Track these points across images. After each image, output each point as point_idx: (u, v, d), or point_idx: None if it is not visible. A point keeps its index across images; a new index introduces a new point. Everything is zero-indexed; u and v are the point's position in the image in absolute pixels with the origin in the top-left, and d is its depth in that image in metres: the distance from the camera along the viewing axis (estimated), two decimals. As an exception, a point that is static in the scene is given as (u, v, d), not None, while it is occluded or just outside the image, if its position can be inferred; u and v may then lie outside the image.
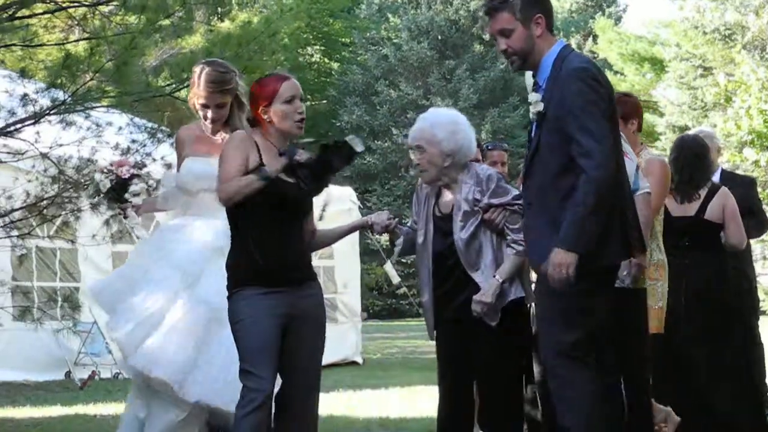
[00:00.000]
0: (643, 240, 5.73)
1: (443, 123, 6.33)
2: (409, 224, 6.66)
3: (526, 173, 5.57)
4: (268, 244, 5.52)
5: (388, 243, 6.58)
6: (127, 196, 6.69)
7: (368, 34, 46.28)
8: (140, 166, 6.90)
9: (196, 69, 6.50)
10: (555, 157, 5.37)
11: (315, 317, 5.71)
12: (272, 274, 5.52)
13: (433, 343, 6.60)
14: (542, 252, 5.37)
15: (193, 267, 6.22)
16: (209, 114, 6.42)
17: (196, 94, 6.44)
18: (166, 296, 6.15)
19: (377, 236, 6.24)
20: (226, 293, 5.58)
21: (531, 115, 5.72)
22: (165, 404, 6.12)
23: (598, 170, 5.22)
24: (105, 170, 6.75)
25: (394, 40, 44.86)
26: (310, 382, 5.68)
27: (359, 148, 5.51)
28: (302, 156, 5.51)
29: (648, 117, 33.80)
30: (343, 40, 48.41)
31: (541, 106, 5.55)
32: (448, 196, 6.40)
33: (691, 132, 8.85)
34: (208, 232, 6.30)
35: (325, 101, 45.07)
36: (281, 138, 5.67)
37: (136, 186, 6.71)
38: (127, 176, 6.68)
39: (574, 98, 5.32)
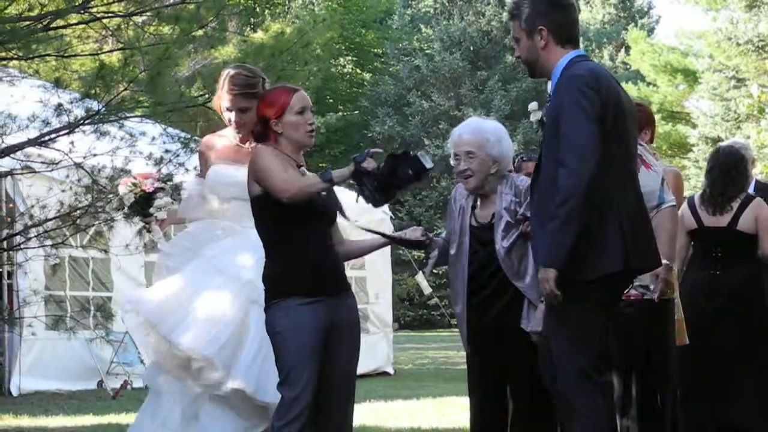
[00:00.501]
0: (656, 250, 5.59)
1: (492, 130, 6.35)
2: (443, 235, 6.64)
3: (532, 182, 5.55)
4: (308, 254, 5.53)
5: (420, 254, 6.59)
6: (151, 210, 6.55)
7: (400, 45, 46.31)
8: (165, 179, 6.78)
9: (224, 72, 6.44)
10: (551, 165, 5.31)
11: (351, 327, 5.73)
12: (312, 283, 5.53)
13: (465, 353, 6.58)
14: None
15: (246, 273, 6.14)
16: (232, 118, 6.32)
17: (221, 96, 6.38)
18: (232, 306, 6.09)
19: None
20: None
21: (533, 125, 5.73)
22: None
23: (569, 179, 5.15)
24: (129, 183, 6.61)
25: (427, 51, 44.87)
26: (346, 391, 5.69)
27: (428, 164, 5.50)
28: (370, 164, 5.46)
29: (681, 128, 33.71)
30: (376, 50, 48.48)
31: (539, 115, 5.57)
32: (485, 206, 6.37)
33: (725, 143, 8.79)
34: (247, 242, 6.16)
35: (356, 112, 45.12)
36: (294, 150, 5.68)
37: (160, 200, 6.55)
38: (151, 190, 6.53)
39: (563, 105, 5.28)
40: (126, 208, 6.64)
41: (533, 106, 6.06)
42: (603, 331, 5.33)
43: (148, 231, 6.62)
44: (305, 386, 5.42)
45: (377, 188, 5.47)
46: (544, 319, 5.53)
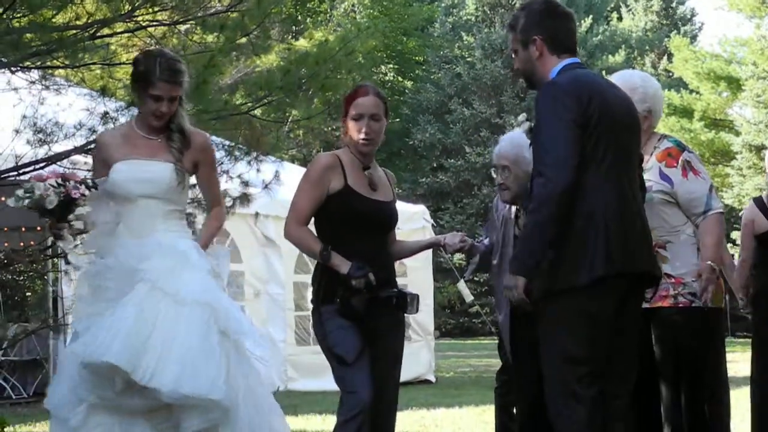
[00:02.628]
0: (650, 252, 5.54)
1: (527, 145, 6.37)
2: (485, 241, 6.65)
3: (529, 191, 5.55)
4: (357, 258, 5.59)
5: (461, 261, 6.61)
6: (70, 217, 5.62)
7: (442, 53, 46.31)
8: (91, 185, 5.73)
9: (145, 58, 5.81)
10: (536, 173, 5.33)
11: (397, 331, 5.81)
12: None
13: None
14: None
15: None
16: (163, 108, 5.70)
17: (150, 84, 5.69)
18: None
19: (450, 255, 6.24)
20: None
21: (525, 134, 5.79)
22: None
23: (543, 187, 5.15)
24: (52, 182, 5.59)
25: (468, 59, 44.85)
26: (391, 396, 5.78)
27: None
28: (360, 284, 5.57)
29: (724, 136, 33.50)
30: (417, 58, 48.50)
31: (527, 126, 5.61)
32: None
33: None
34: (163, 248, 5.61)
35: (398, 120, 45.16)
36: (358, 152, 5.78)
37: (82, 209, 5.64)
38: (76, 196, 5.60)
39: (539, 113, 5.30)
40: (44, 210, 5.61)
41: (522, 117, 6.09)
42: (596, 340, 5.23)
43: (58, 238, 5.69)
44: (362, 384, 5.50)
45: (349, 303, 5.61)
46: (539, 328, 5.42)
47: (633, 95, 5.96)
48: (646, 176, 6.09)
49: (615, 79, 6.34)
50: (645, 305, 5.98)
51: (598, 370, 5.25)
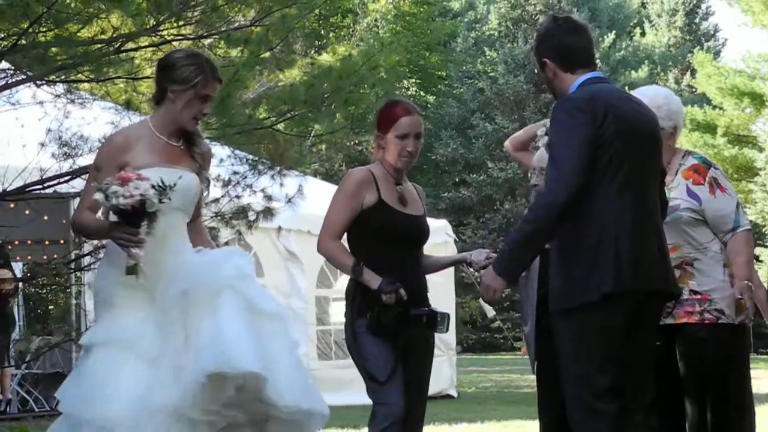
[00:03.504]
0: (668, 270, 5.46)
1: None
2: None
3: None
4: (392, 272, 5.62)
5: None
6: (143, 225, 5.08)
7: (464, 68, 46.35)
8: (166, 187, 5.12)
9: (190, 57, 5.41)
10: None
11: (427, 346, 5.85)
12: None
13: (530, 377, 6.57)
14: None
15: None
16: (207, 109, 5.41)
17: (204, 84, 5.32)
18: None
19: (474, 271, 6.22)
20: None
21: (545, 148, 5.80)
22: None
23: (545, 197, 5.18)
24: (158, 185, 5.03)
25: (490, 74, 44.86)
26: (419, 409, 5.82)
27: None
28: (390, 299, 5.57)
29: (747, 152, 33.39)
30: (439, 73, 48.55)
31: (545, 140, 5.61)
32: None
33: None
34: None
35: (420, 134, 45.19)
36: (392, 168, 5.80)
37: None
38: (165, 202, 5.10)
39: (552, 128, 5.32)
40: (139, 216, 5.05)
41: (541, 131, 6.10)
42: (612, 357, 5.21)
43: (135, 246, 5.07)
44: (395, 395, 5.55)
45: (379, 319, 5.60)
46: (556, 346, 5.39)
47: (659, 113, 5.95)
48: (672, 194, 6.10)
49: (638, 95, 6.32)
50: (670, 321, 5.99)
51: (617, 386, 5.22)
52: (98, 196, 5.00)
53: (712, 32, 55.69)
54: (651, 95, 6.35)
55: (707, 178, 6.34)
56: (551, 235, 5.23)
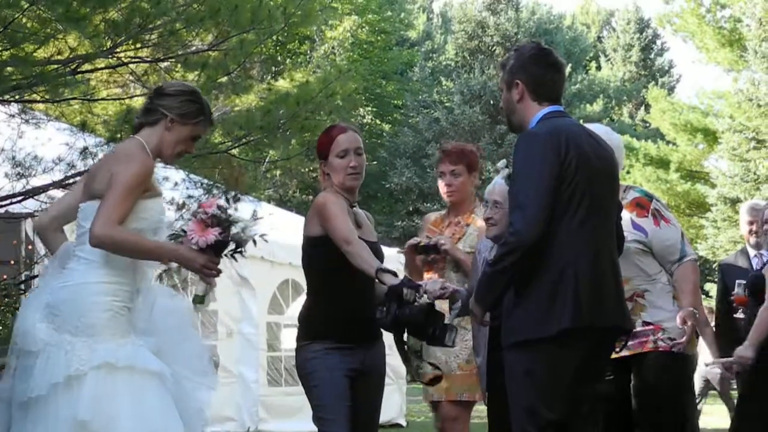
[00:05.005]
0: (624, 307, 5.50)
1: None
2: (466, 286, 6.67)
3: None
4: (347, 302, 5.62)
5: (444, 305, 6.56)
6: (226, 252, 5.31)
7: (420, 97, 46.44)
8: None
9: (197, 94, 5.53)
10: None
11: (379, 375, 5.83)
12: (346, 331, 5.62)
13: (480, 407, 6.59)
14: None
15: None
16: (191, 149, 5.58)
17: (206, 123, 5.52)
18: None
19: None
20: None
21: (506, 182, 5.84)
22: None
23: (512, 236, 5.18)
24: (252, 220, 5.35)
25: (446, 104, 44.98)
26: None
27: (449, 343, 5.62)
28: (410, 295, 5.49)
29: (699, 188, 33.62)
30: (396, 102, 48.64)
31: (506, 173, 5.68)
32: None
33: (748, 203, 8.82)
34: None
35: (375, 162, 45.20)
36: (343, 190, 5.80)
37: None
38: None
39: (515, 162, 5.34)
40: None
41: (502, 163, 6.15)
42: (561, 392, 5.21)
43: (211, 275, 5.27)
44: (342, 426, 5.52)
45: (396, 318, 5.51)
46: (506, 377, 5.42)
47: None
48: None
49: None
50: (624, 353, 5.98)
51: (562, 421, 5.24)
52: (209, 218, 5.12)
53: (666, 68, 56.21)
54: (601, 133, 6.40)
55: (650, 210, 6.45)
56: (522, 270, 5.22)
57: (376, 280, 5.57)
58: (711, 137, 33.74)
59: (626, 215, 6.34)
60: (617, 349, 5.63)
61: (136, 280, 5.20)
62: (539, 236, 5.15)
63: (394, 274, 5.50)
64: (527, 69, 5.51)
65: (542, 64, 5.54)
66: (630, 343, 5.98)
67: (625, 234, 6.11)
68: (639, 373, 6.33)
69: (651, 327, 6.32)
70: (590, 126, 6.62)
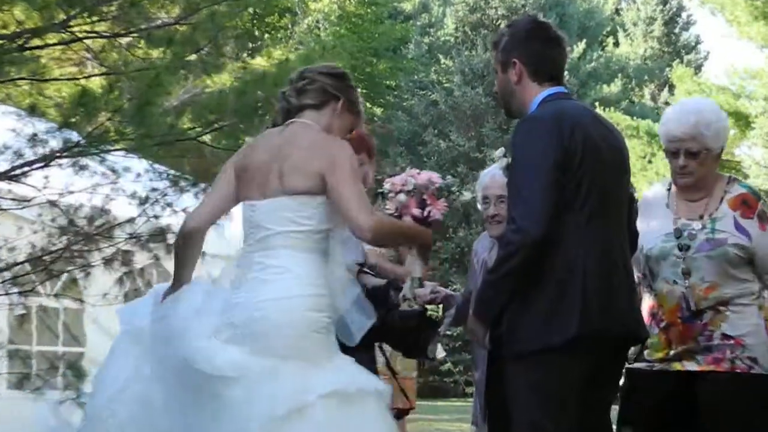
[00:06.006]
0: (637, 312, 5.51)
1: None
2: (462, 291, 6.64)
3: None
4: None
5: (434, 312, 6.54)
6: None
7: (416, 77, 46.48)
8: None
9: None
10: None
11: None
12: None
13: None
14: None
15: None
16: None
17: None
18: None
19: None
20: None
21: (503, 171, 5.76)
22: None
23: (515, 235, 5.14)
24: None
25: (445, 85, 45.03)
26: None
27: (431, 354, 5.62)
28: (396, 298, 5.56)
29: (730, 179, 33.65)
30: (388, 83, 48.61)
31: (504, 162, 5.61)
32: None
33: None
34: None
35: (365, 151, 45.24)
36: None
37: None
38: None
39: (515, 150, 5.29)
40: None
41: (500, 152, 6.06)
42: (568, 406, 5.19)
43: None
44: None
45: (384, 323, 5.54)
46: (508, 390, 5.39)
47: (709, 132, 6.01)
48: (717, 226, 6.00)
49: (685, 109, 6.24)
50: (693, 367, 5.88)
51: None
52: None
53: (693, 44, 56.24)
54: (701, 110, 6.22)
55: (757, 211, 6.12)
56: (528, 274, 5.16)
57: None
58: (743, 122, 33.74)
59: (729, 213, 6.07)
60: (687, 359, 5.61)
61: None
62: (547, 233, 5.10)
63: (374, 273, 5.48)
64: (524, 46, 5.48)
65: (541, 38, 5.50)
66: (700, 357, 5.87)
67: (725, 236, 5.99)
68: (707, 395, 5.99)
69: (731, 342, 5.96)
70: (698, 102, 6.55)
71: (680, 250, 6.03)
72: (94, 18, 8.93)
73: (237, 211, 7.42)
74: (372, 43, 46.35)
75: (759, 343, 6.01)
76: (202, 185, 9.39)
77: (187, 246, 5.39)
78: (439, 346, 6.02)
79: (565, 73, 5.70)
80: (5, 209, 9.41)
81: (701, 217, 6.10)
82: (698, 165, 6.16)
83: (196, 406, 4.90)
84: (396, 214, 5.54)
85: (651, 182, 25.10)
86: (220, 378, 4.83)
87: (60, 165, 8.60)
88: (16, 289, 9.42)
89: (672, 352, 6.01)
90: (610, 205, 5.34)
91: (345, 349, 5.25)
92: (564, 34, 5.68)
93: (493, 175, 6.40)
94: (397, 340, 5.62)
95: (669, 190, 6.32)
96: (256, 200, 5.17)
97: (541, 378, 5.17)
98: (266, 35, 41.93)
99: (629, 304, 5.40)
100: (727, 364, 5.96)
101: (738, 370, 5.98)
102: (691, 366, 5.90)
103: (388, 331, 5.53)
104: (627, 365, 6.02)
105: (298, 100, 5.37)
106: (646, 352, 6.07)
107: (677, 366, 5.98)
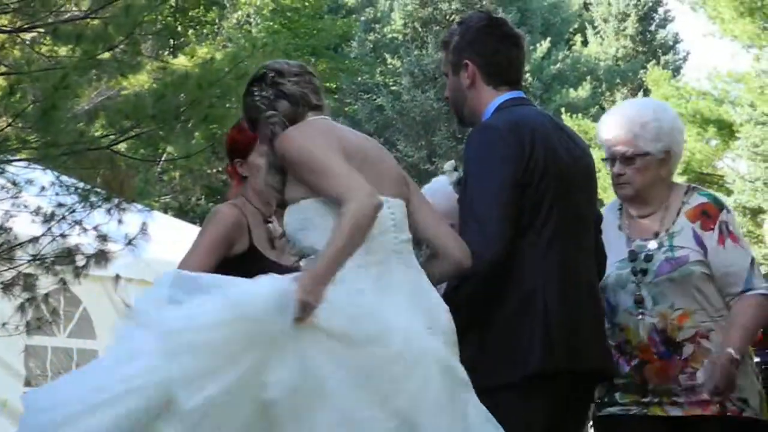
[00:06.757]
0: (604, 345, 5.51)
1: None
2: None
3: None
4: None
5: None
6: None
7: (359, 79, 46.52)
8: None
9: None
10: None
11: None
12: None
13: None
14: None
15: None
16: None
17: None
18: None
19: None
20: None
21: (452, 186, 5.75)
22: None
23: (472, 260, 5.10)
24: None
25: (392, 88, 45.09)
26: None
27: None
28: None
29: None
30: (328, 85, 48.65)
31: (455, 176, 5.62)
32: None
33: None
34: None
35: (302, 162, 45.25)
36: (262, 200, 5.76)
37: None
38: None
39: (468, 163, 5.30)
40: None
41: (449, 165, 6.04)
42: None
43: None
44: None
45: None
46: None
47: (643, 132, 5.94)
48: (676, 242, 5.93)
49: (619, 109, 6.28)
50: (677, 413, 5.79)
51: None
52: None
53: (670, 43, 56.57)
54: (636, 109, 6.19)
55: (718, 222, 5.99)
56: (485, 301, 5.18)
57: None
58: (726, 131, 33.97)
59: (687, 225, 5.98)
60: (667, 403, 5.63)
61: None
62: (503, 256, 5.11)
63: None
64: (477, 45, 5.50)
65: (496, 36, 5.52)
66: (684, 400, 5.79)
67: (687, 252, 5.92)
68: None
69: None
70: (635, 102, 6.56)
71: (635, 275, 5.95)
72: (-7, 10, 8.93)
73: (159, 227, 7.36)
74: (310, 41, 46.39)
75: (748, 382, 5.93)
76: (116, 200, 9.37)
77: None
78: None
79: (526, 75, 5.73)
80: None
81: (656, 235, 6.01)
82: (636, 173, 6.04)
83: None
84: None
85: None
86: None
87: (-48, 177, 8.60)
88: None
89: (649, 394, 5.88)
90: (575, 224, 5.36)
91: None
92: (523, 32, 5.70)
93: (431, 189, 6.27)
94: None
95: (621, 209, 6.23)
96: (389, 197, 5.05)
97: (502, 417, 5.10)
98: (190, 31, 41.91)
99: (596, 335, 5.41)
100: (715, 407, 5.81)
101: (729, 413, 5.85)
102: (674, 411, 5.80)
103: None
104: (597, 413, 6.04)
105: (317, 99, 5.50)
106: (617, 394, 5.96)
107: (657, 411, 5.86)
